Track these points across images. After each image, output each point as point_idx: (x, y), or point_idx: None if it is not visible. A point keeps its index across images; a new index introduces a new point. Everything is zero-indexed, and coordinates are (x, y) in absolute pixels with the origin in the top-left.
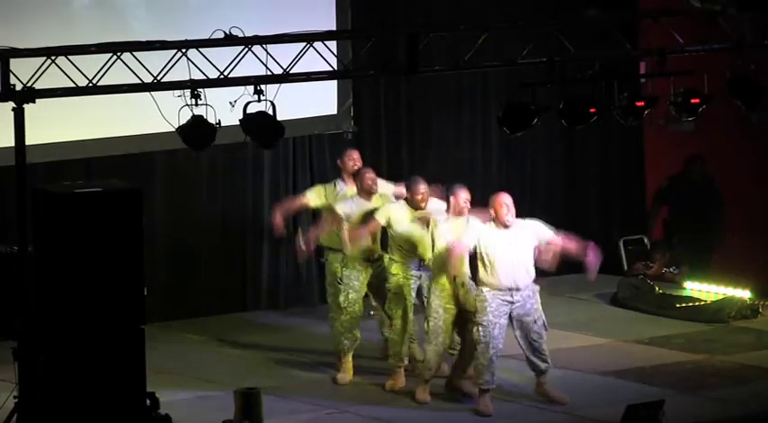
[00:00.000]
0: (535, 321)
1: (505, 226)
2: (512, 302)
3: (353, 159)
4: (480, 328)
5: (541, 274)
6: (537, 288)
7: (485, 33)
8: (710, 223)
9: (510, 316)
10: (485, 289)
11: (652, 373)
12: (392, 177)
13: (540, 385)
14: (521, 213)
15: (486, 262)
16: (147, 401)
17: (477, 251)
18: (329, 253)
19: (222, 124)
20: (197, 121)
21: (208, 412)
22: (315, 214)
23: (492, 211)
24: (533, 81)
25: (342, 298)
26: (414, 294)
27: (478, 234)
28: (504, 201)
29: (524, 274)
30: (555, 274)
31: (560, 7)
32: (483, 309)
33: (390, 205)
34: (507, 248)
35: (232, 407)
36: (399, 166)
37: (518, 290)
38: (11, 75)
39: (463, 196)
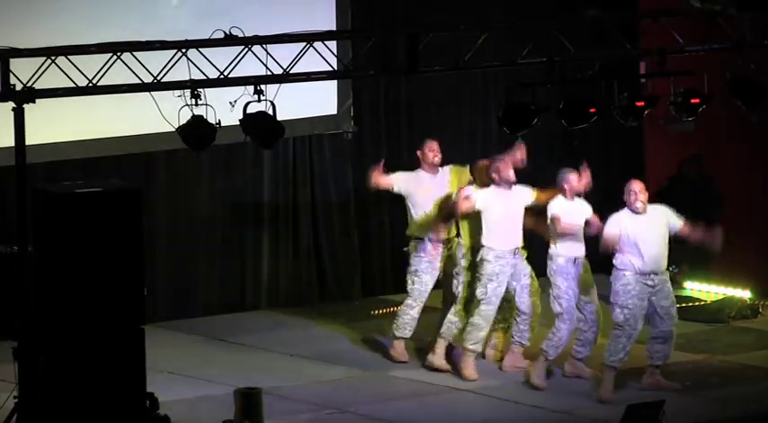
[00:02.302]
0: (672, 305)
1: (635, 212)
2: (652, 287)
3: (434, 151)
4: (626, 311)
5: (543, 273)
6: (668, 274)
7: (485, 33)
8: (710, 223)
9: (649, 300)
10: (627, 273)
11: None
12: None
13: (653, 375)
14: None
15: (632, 246)
16: (147, 402)
17: (621, 236)
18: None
19: (222, 124)
20: (197, 121)
21: (208, 412)
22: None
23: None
24: (533, 81)
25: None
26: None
27: (619, 221)
28: (633, 187)
29: (664, 259)
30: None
31: (560, 7)
32: (627, 291)
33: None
34: (649, 233)
35: (232, 407)
36: (399, 166)
37: (657, 274)
38: (11, 75)
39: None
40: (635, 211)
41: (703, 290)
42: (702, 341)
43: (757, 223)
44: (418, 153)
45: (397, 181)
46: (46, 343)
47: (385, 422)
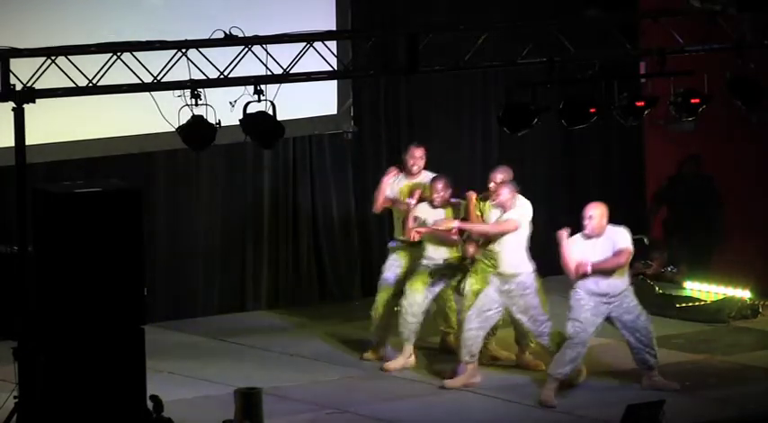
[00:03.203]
0: (638, 317)
1: (587, 236)
2: (608, 304)
3: (414, 158)
4: (576, 324)
5: (543, 274)
6: (630, 288)
7: (485, 33)
8: (710, 223)
9: (610, 317)
10: (581, 289)
11: None
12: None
13: (650, 378)
14: None
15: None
16: (151, 404)
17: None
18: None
19: (222, 124)
20: (197, 121)
21: (208, 412)
22: None
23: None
24: (533, 81)
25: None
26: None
27: (574, 245)
28: (585, 213)
29: (616, 281)
30: (555, 274)
31: (560, 7)
32: (580, 306)
33: None
34: (598, 257)
35: (232, 407)
36: (399, 166)
37: (610, 295)
38: (11, 75)
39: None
40: (584, 235)
41: (703, 290)
42: (702, 341)
43: (757, 223)
44: (404, 158)
45: (384, 192)
46: (46, 343)
47: (385, 422)
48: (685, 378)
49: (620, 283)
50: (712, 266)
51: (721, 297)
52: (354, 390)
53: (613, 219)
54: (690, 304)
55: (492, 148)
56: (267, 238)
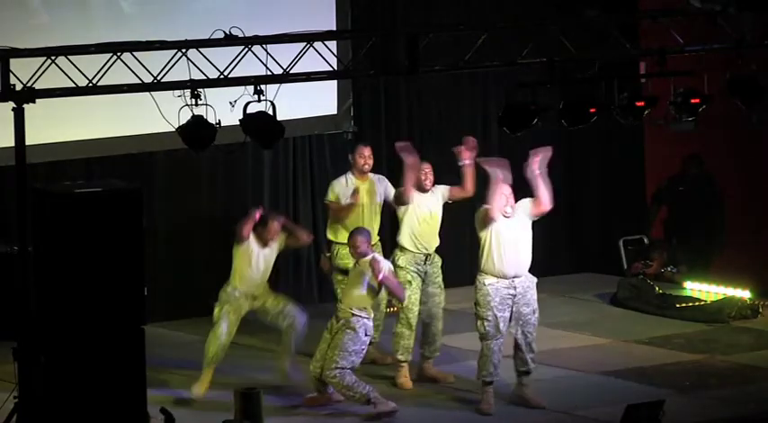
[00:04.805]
0: (533, 312)
1: (506, 215)
2: (514, 295)
3: (364, 157)
4: (486, 323)
5: (542, 274)
6: (535, 280)
7: (485, 33)
8: (710, 223)
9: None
10: (487, 281)
11: (652, 373)
12: (392, 176)
13: (522, 385)
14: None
15: (493, 250)
16: (162, 417)
17: (483, 241)
18: (339, 247)
19: (222, 124)
20: (197, 121)
21: (208, 412)
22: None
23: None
24: (533, 81)
25: None
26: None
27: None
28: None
29: (526, 260)
30: (555, 274)
31: (560, 7)
32: (486, 302)
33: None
34: (511, 235)
35: (232, 407)
36: (399, 165)
37: (519, 277)
38: (11, 75)
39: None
40: (504, 215)
41: (703, 290)
42: (702, 341)
43: (757, 223)
44: (350, 157)
45: (338, 196)
46: (46, 343)
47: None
48: (685, 378)
49: (529, 264)
50: (712, 266)
51: (721, 297)
52: None
53: (613, 218)
54: (690, 304)
55: (492, 148)
56: None
